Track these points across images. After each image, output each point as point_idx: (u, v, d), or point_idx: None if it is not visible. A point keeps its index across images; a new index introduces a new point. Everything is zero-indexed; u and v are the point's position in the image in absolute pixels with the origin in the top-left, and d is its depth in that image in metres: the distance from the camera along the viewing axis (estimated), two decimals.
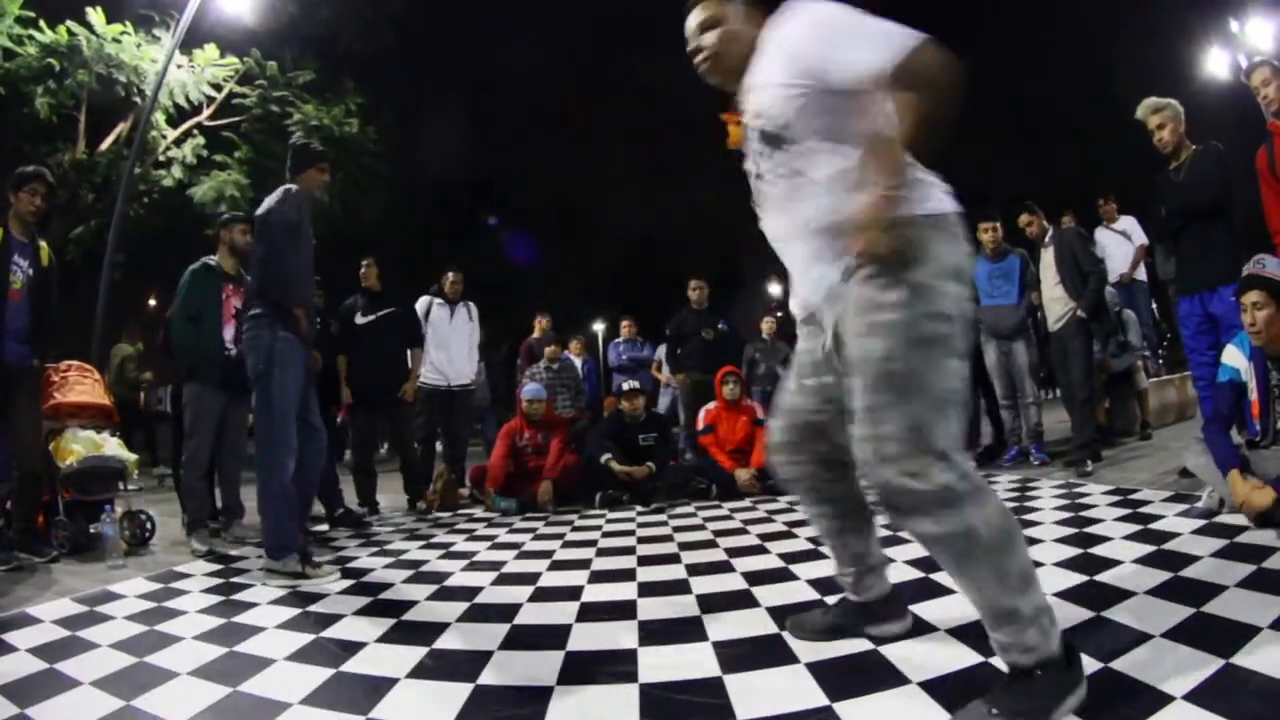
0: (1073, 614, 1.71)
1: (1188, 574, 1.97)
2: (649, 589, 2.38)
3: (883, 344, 1.31)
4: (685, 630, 1.92)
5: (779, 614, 1.95)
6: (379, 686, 1.64)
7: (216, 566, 3.10)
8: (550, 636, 1.94)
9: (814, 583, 2.27)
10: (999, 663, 1.35)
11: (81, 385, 3.82)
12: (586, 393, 6.75)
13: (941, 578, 2.12)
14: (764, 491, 4.35)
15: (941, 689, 1.41)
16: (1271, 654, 1.40)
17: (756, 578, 2.41)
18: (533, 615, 2.17)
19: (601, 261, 23.57)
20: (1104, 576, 2.04)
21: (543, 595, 2.40)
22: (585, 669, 1.69)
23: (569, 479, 4.63)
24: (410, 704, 1.57)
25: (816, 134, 1.42)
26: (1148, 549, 2.27)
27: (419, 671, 1.74)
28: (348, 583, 2.70)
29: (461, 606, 2.29)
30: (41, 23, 8.47)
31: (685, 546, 3.07)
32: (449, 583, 2.66)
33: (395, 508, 4.91)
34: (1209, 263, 3.20)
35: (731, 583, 2.38)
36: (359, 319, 4.79)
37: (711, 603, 2.16)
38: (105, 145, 9.75)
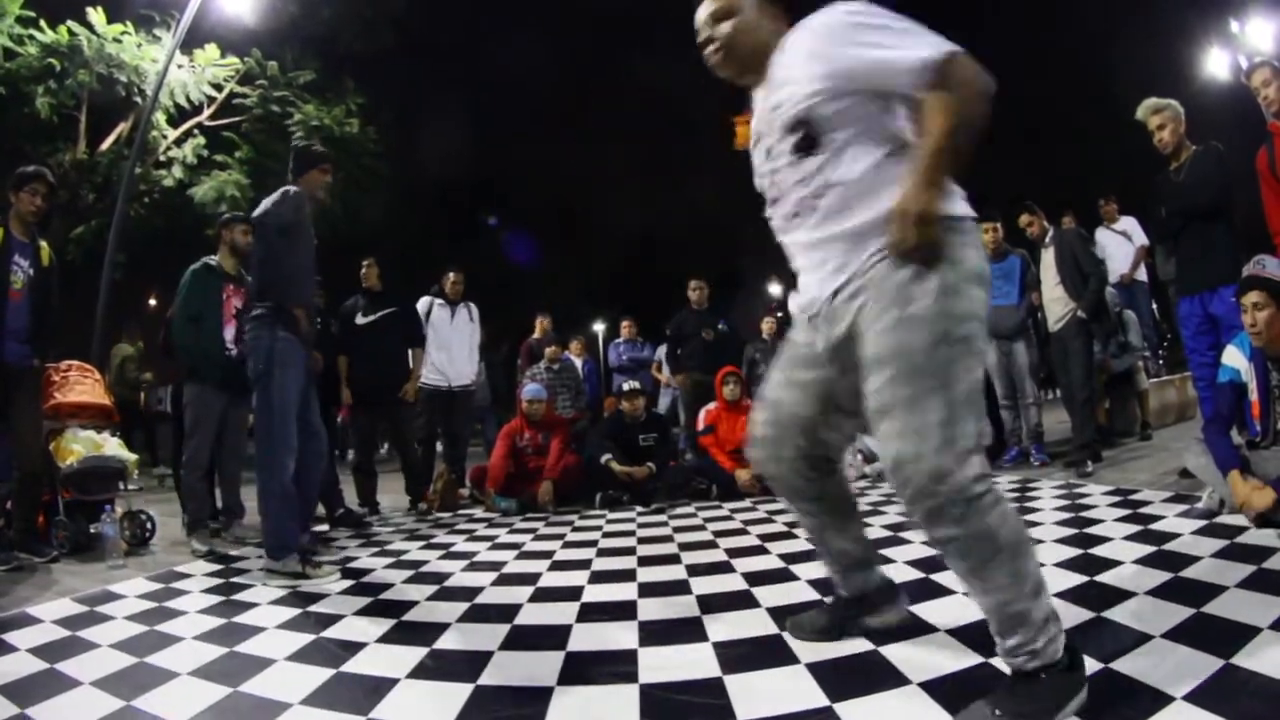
0: (1073, 614, 1.71)
1: (1188, 574, 1.97)
2: (649, 589, 2.38)
3: (919, 335, 1.29)
4: (685, 631, 1.92)
5: (779, 614, 1.95)
6: (379, 687, 1.64)
7: (217, 567, 3.11)
8: (550, 637, 1.94)
9: (814, 583, 2.27)
10: (999, 663, 1.35)
11: (82, 385, 3.83)
12: (587, 393, 6.74)
13: (941, 578, 2.12)
14: (764, 492, 4.33)
15: (942, 689, 1.41)
16: (1272, 654, 1.40)
17: (757, 578, 2.41)
18: (533, 616, 2.17)
19: (601, 262, 23.57)
20: (1104, 577, 2.04)
21: (543, 595, 2.40)
22: (585, 669, 1.69)
23: (569, 479, 4.63)
24: (410, 704, 1.57)
25: (848, 130, 1.40)
26: (1148, 549, 2.27)
27: (419, 672, 1.74)
28: (348, 583, 2.70)
29: (462, 607, 2.29)
30: (42, 23, 8.48)
31: (685, 547, 3.07)
32: (449, 583, 2.66)
33: (396, 508, 4.91)
34: (1209, 263, 3.20)
35: (732, 583, 2.38)
36: (360, 319, 4.79)
37: (712, 603, 2.16)
38: (106, 145, 9.76)
